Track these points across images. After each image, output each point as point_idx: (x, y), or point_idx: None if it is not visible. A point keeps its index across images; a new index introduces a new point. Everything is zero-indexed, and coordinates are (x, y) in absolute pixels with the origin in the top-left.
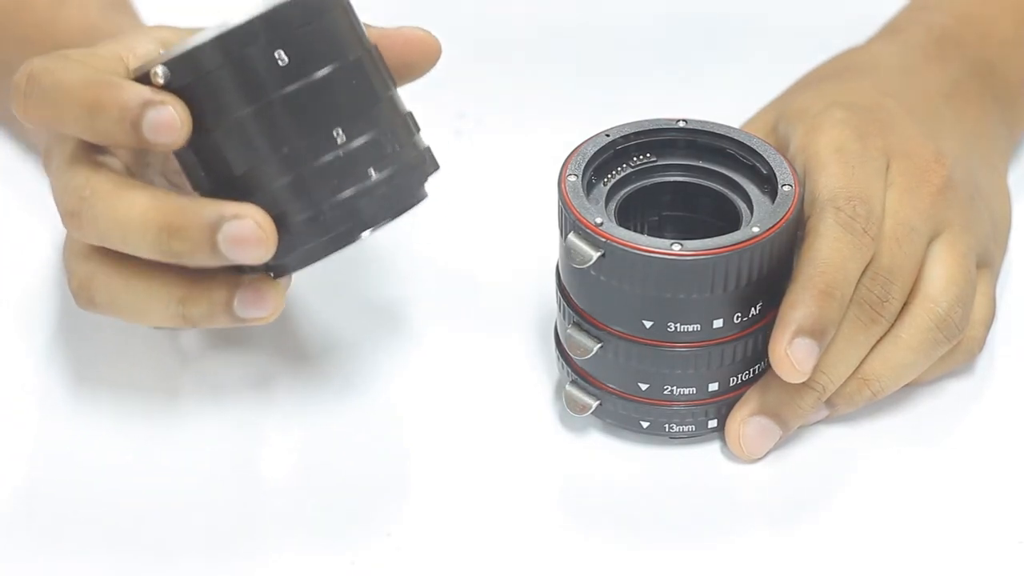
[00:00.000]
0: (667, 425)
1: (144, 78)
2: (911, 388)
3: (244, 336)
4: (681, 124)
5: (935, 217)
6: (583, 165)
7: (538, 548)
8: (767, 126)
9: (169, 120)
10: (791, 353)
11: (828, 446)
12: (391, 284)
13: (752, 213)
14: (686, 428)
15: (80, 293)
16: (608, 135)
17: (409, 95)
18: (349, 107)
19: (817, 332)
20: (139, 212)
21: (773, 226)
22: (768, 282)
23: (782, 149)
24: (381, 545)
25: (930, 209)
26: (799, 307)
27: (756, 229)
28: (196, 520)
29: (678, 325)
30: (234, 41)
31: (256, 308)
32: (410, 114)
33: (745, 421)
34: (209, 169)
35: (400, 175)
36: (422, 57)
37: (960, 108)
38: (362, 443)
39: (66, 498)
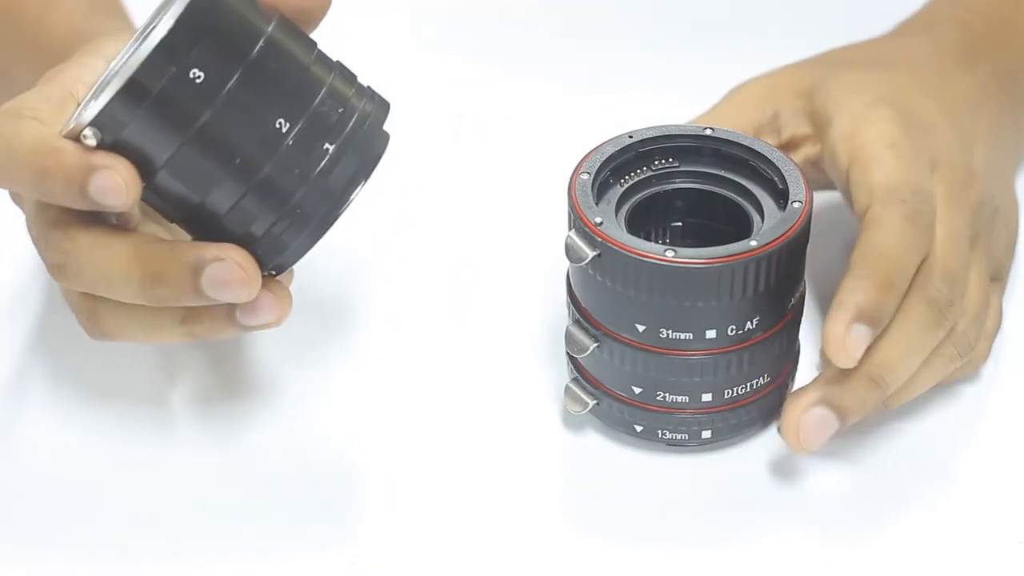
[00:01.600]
0: (660, 431)
1: (76, 140)
2: None
3: (242, 336)
4: (707, 131)
5: (972, 230)
6: (599, 164)
7: (537, 547)
8: (800, 87)
9: (114, 185)
10: (848, 338)
11: (828, 447)
12: (393, 283)
13: (762, 226)
14: (679, 436)
15: (89, 326)
16: (631, 136)
17: (409, 95)
18: (280, 91)
19: (875, 320)
20: (121, 263)
21: (771, 241)
22: (767, 297)
23: (818, 125)
24: (381, 545)
25: (971, 221)
26: (859, 293)
27: (754, 243)
28: (195, 521)
29: (670, 332)
30: (145, 79)
31: (259, 315)
32: (339, 63)
33: (806, 411)
34: (174, 203)
35: (356, 134)
36: (315, 6)
37: (986, 119)
38: (366, 441)
39: (65, 503)
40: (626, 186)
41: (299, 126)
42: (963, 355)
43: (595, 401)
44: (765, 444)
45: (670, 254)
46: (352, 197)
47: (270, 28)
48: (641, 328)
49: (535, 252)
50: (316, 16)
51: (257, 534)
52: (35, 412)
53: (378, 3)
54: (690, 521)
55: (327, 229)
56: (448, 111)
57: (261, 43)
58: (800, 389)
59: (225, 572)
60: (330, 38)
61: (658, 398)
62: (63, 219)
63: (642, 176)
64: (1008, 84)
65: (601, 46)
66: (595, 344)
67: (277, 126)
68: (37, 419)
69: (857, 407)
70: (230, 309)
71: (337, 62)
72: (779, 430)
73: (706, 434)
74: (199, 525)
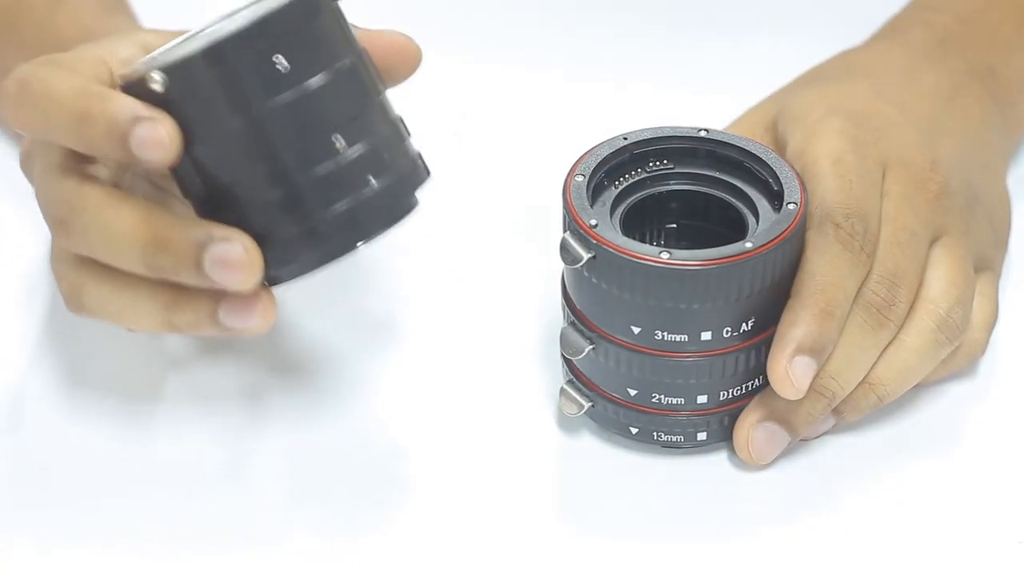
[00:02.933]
0: (655, 433)
1: (137, 84)
2: (913, 390)
3: (244, 340)
4: (702, 133)
5: (933, 223)
6: (594, 166)
7: (532, 548)
8: (765, 121)
9: (157, 138)
10: (791, 371)
11: (828, 447)
12: (391, 284)
13: (757, 228)
14: (675, 438)
15: (70, 298)
16: (626, 138)
17: (410, 94)
18: (346, 113)
19: (816, 351)
20: (128, 225)
21: (766, 243)
22: (762, 299)
23: (779, 149)
24: (381, 545)
25: (928, 215)
26: (799, 325)
27: (749, 245)
28: (195, 520)
29: (665, 334)
30: (233, 46)
31: (241, 319)
32: (400, 119)
33: (754, 427)
34: (203, 178)
35: (397, 183)
36: (403, 63)
37: (960, 112)
38: (362, 443)
39: (62, 498)
40: (621, 188)
41: (353, 148)
42: (952, 339)
43: (590, 403)
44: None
45: (665, 256)
46: (369, 239)
47: (355, 56)
48: (636, 330)
49: (533, 253)
50: (401, 73)
51: (257, 534)
52: (39, 407)
53: (378, 3)
54: (685, 523)
55: (334, 259)
56: (448, 111)
57: (348, 60)
58: (750, 404)
59: (225, 571)
60: None
61: (653, 400)
62: (75, 173)
63: (637, 178)
64: (988, 79)
65: (602, 47)
66: (590, 346)
67: (334, 140)
68: (42, 414)
69: (804, 419)
70: (215, 305)
71: (399, 116)
72: (732, 445)
73: (701, 436)
74: (198, 524)
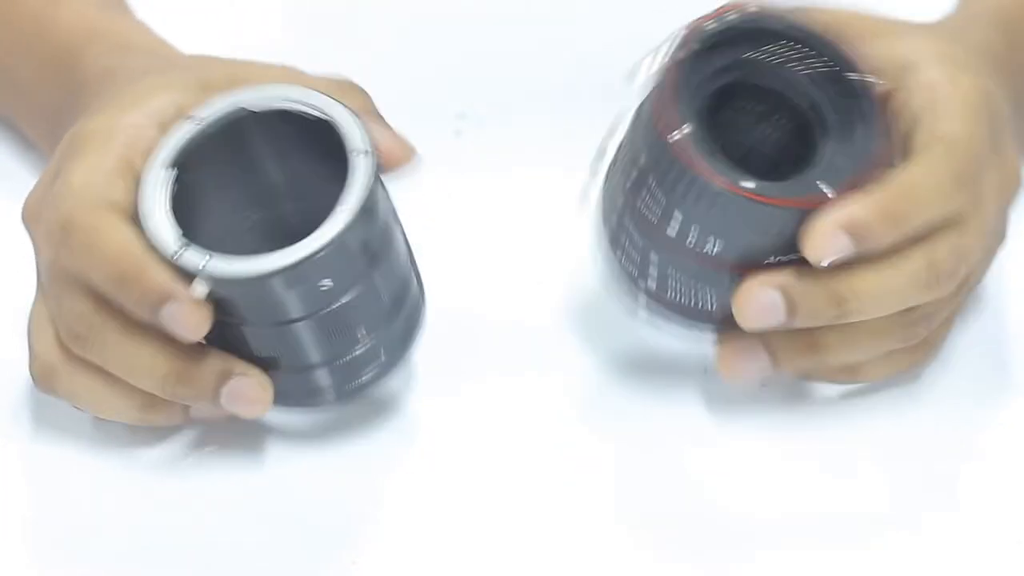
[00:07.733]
0: None
1: (183, 273)
2: (908, 388)
3: None
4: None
5: (1001, 232)
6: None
7: (533, 545)
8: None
9: (184, 322)
10: (829, 237)
11: (825, 447)
12: None
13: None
14: None
15: (41, 379)
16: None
17: (410, 94)
18: (375, 312)
19: (860, 239)
20: (147, 355)
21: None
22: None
23: (892, 63)
24: (381, 545)
25: (1003, 225)
26: (861, 209)
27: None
28: (194, 520)
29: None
30: (280, 281)
31: (213, 413)
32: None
33: (762, 287)
34: (226, 343)
35: (400, 349)
36: (395, 165)
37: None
38: (362, 441)
39: (56, 505)
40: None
41: (369, 343)
42: (933, 285)
43: None
44: (753, 452)
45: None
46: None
47: (395, 221)
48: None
49: (536, 253)
50: (399, 165)
51: (257, 534)
52: (43, 409)
53: (379, 3)
54: (677, 523)
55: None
56: (448, 111)
57: (383, 272)
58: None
59: (225, 572)
60: (331, 36)
61: None
62: (92, 297)
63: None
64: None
65: (603, 46)
66: None
67: (358, 335)
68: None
69: (809, 311)
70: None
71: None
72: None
73: None
74: (197, 524)
